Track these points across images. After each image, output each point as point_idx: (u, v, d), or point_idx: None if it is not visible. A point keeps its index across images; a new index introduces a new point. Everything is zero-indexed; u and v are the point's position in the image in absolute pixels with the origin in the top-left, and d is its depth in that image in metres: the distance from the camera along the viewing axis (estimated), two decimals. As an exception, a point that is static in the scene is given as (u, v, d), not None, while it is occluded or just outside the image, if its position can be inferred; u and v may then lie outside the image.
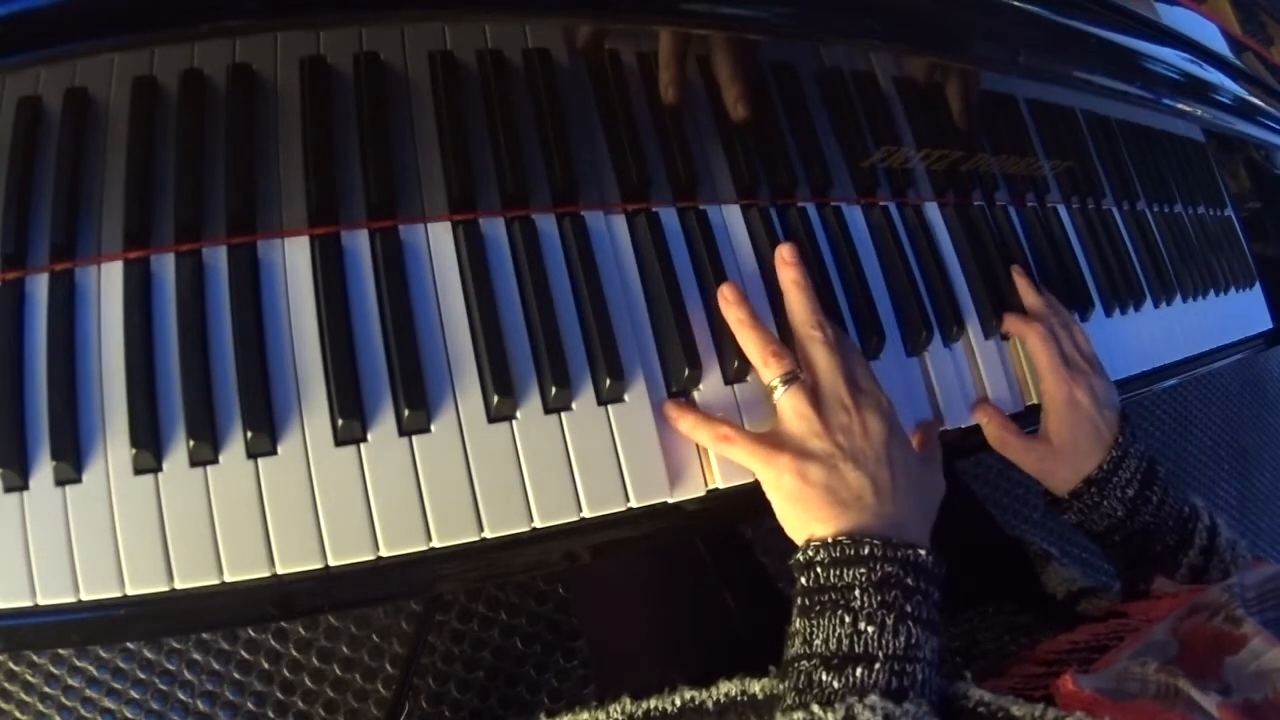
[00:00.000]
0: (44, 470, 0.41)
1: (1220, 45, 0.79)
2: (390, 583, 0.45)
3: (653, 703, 0.51)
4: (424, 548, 0.44)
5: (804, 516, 0.47)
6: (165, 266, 0.45)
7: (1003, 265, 0.68)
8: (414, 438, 0.46)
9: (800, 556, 0.46)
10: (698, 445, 0.51)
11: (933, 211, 0.66)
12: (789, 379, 0.49)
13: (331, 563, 0.43)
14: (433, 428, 0.46)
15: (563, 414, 0.48)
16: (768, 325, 0.52)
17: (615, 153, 0.53)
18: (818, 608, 0.44)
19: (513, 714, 1.01)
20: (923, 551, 0.45)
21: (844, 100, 0.60)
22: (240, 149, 0.45)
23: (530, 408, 0.48)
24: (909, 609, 0.43)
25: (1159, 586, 0.54)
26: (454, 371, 0.47)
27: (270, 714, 0.96)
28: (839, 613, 0.43)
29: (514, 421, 0.48)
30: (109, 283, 0.44)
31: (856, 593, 0.43)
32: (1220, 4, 0.84)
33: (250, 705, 0.95)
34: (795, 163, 0.59)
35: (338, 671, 0.97)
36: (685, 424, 0.50)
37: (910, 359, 0.61)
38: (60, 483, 0.41)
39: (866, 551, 0.44)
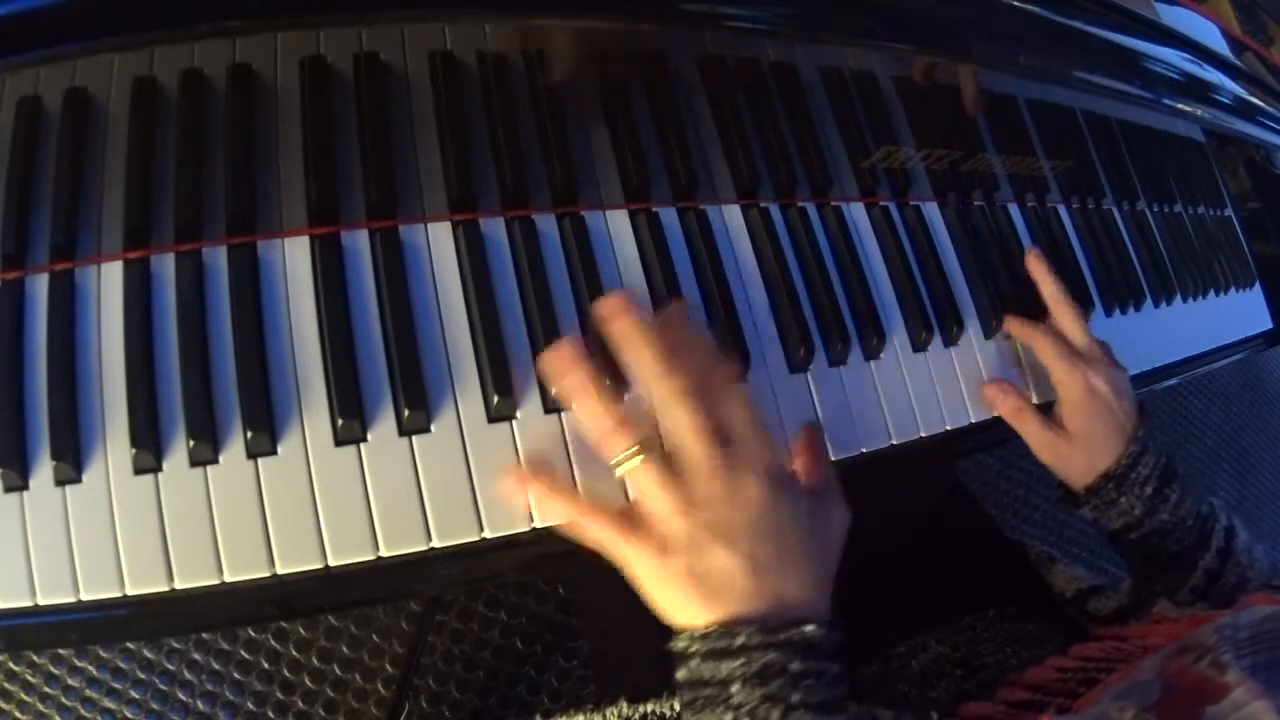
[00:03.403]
0: (44, 470, 0.41)
1: (1220, 45, 0.79)
2: (390, 583, 0.45)
3: (650, 707, 0.51)
4: (424, 548, 0.44)
5: (671, 604, 0.42)
6: (165, 266, 0.45)
7: (1003, 265, 0.68)
8: (414, 438, 0.46)
9: (674, 647, 0.41)
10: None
11: (933, 211, 0.66)
12: (635, 452, 0.42)
13: (331, 563, 0.43)
14: (433, 428, 0.46)
15: (563, 414, 0.48)
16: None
17: (615, 153, 0.53)
18: (698, 702, 0.40)
19: (513, 714, 1.01)
20: (809, 628, 0.40)
21: (844, 100, 0.60)
22: (240, 149, 0.45)
23: (531, 407, 0.48)
24: (796, 698, 0.38)
25: (1160, 610, 0.54)
26: (454, 371, 0.47)
27: (270, 714, 0.96)
28: (719, 709, 0.39)
29: (514, 421, 0.47)
30: (109, 283, 0.44)
31: (735, 688, 0.39)
32: (1220, 4, 0.84)
33: (250, 705, 0.95)
34: (795, 163, 0.59)
35: (338, 671, 0.97)
36: (536, 491, 0.45)
37: (911, 360, 0.61)
38: (60, 483, 0.41)
39: (740, 642, 0.39)
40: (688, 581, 0.41)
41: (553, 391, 0.47)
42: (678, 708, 0.50)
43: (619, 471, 0.42)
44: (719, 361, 0.46)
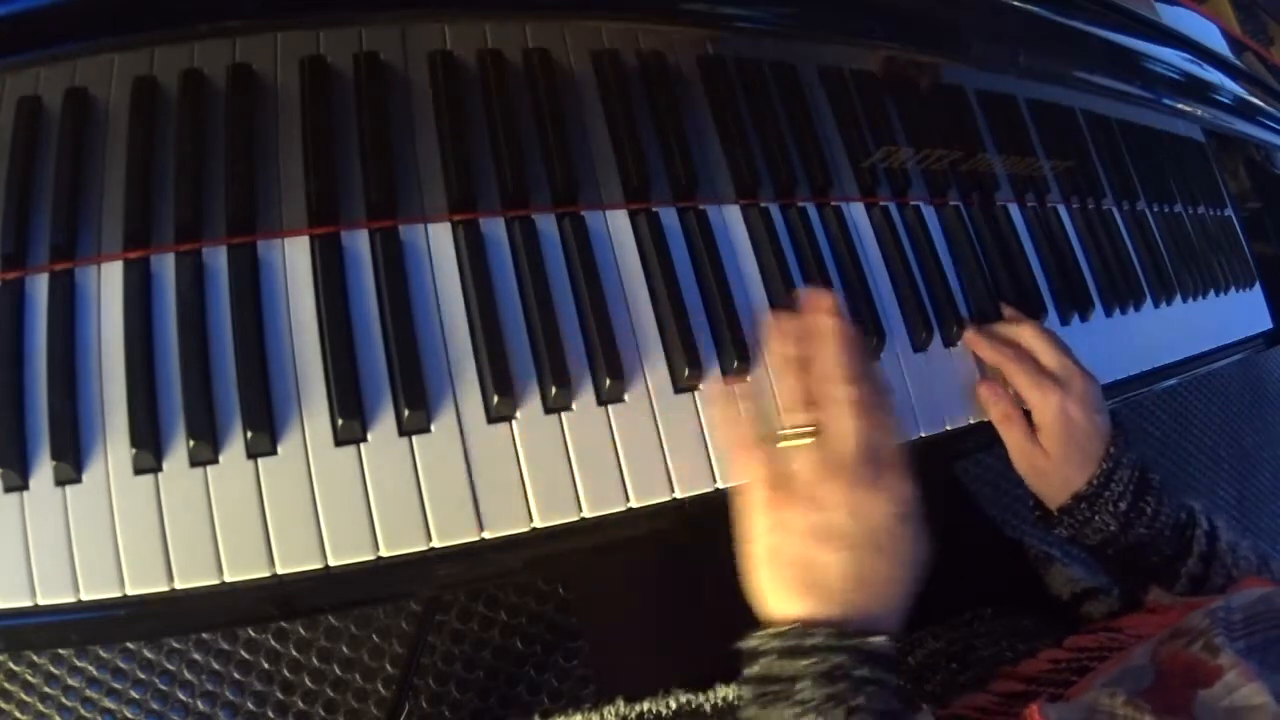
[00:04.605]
0: (44, 470, 0.41)
1: (1220, 45, 0.79)
2: (390, 583, 0.45)
3: (647, 705, 0.51)
4: (424, 548, 0.44)
5: (769, 584, 0.44)
6: (165, 266, 0.45)
7: (1003, 265, 0.68)
8: (414, 438, 0.46)
9: (747, 645, 0.43)
10: (705, 443, 0.51)
11: (932, 212, 0.66)
12: (810, 432, 0.46)
13: (331, 563, 0.43)
14: (433, 428, 0.46)
15: (563, 414, 0.48)
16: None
17: (615, 153, 0.53)
18: (766, 697, 0.42)
19: (513, 714, 1.01)
20: (878, 639, 0.42)
21: (844, 100, 0.60)
22: (240, 149, 0.45)
23: (530, 408, 0.48)
24: (859, 701, 0.40)
25: (1155, 599, 0.54)
26: (454, 371, 0.47)
27: (270, 714, 0.96)
28: (784, 704, 0.41)
29: (514, 421, 0.48)
30: (109, 283, 0.44)
31: (802, 684, 0.41)
32: (1220, 4, 0.84)
33: (250, 705, 0.95)
34: (795, 163, 0.59)
35: (338, 671, 0.97)
36: (724, 434, 0.49)
37: (911, 359, 0.61)
38: (60, 483, 0.41)
39: (814, 643, 0.41)
40: (797, 567, 0.43)
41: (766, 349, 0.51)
42: (674, 706, 0.50)
43: (784, 444, 0.46)
44: (886, 392, 0.48)
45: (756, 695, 0.42)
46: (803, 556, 0.43)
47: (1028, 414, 0.61)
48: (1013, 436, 0.60)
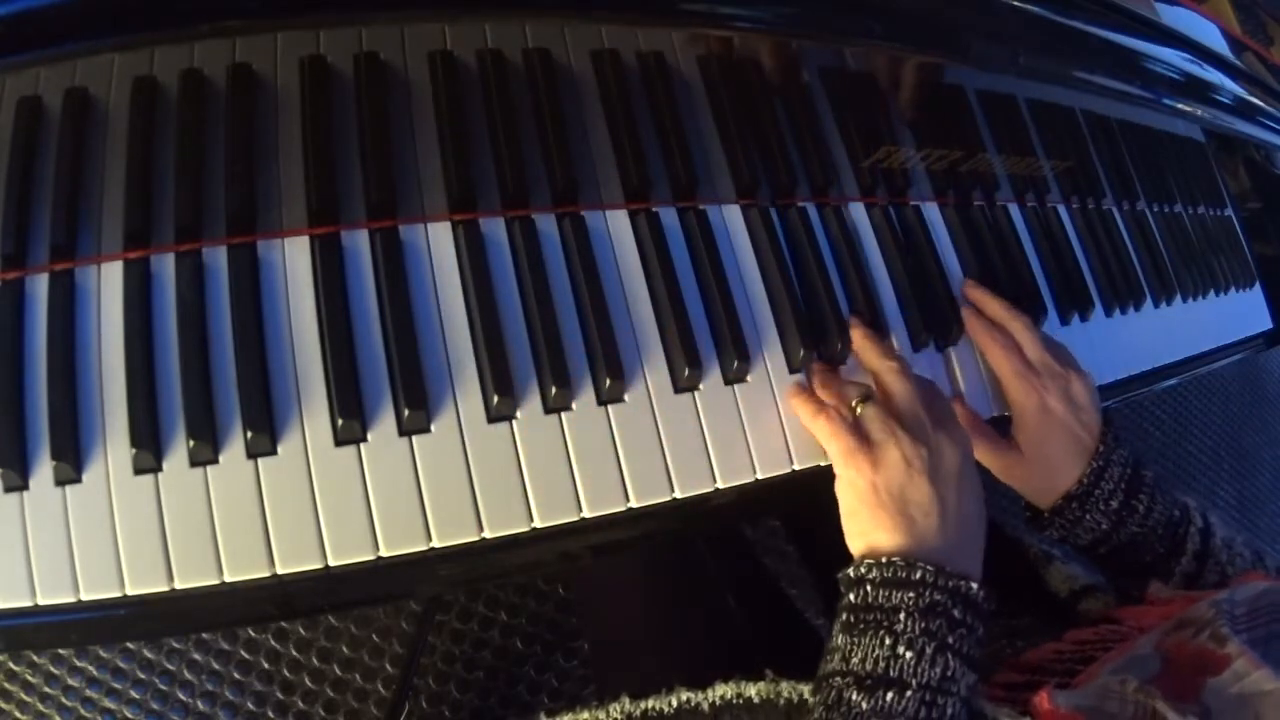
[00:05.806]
0: (44, 470, 0.41)
1: (1220, 45, 0.79)
2: (390, 583, 0.45)
3: (650, 703, 0.51)
4: (424, 548, 0.44)
5: (869, 521, 0.47)
6: (165, 266, 0.45)
7: (1003, 265, 0.68)
8: (414, 438, 0.46)
9: (851, 572, 0.46)
10: (704, 443, 0.51)
11: (932, 211, 0.66)
12: (866, 395, 0.51)
13: (331, 563, 0.43)
14: (433, 428, 0.46)
15: (563, 414, 0.48)
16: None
17: (615, 153, 0.53)
18: (861, 625, 0.43)
19: (513, 714, 1.01)
20: (974, 585, 0.44)
21: (844, 100, 0.60)
22: (240, 149, 0.45)
23: (530, 408, 0.48)
24: (950, 641, 0.43)
25: (1154, 592, 0.54)
26: (454, 371, 0.47)
27: (270, 714, 0.96)
28: (880, 634, 0.43)
29: (514, 421, 0.48)
30: (109, 283, 0.44)
31: (901, 616, 0.43)
32: (1220, 4, 0.84)
33: (250, 705, 0.95)
34: (795, 163, 0.59)
35: (338, 671, 0.97)
36: (800, 412, 0.52)
37: (910, 359, 0.60)
38: (60, 483, 0.41)
39: (918, 576, 0.43)
40: (890, 499, 0.47)
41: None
42: (675, 704, 0.50)
43: (859, 409, 0.51)
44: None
45: (850, 623, 0.44)
46: (894, 485, 0.47)
47: (1001, 420, 0.61)
48: (980, 449, 0.59)
